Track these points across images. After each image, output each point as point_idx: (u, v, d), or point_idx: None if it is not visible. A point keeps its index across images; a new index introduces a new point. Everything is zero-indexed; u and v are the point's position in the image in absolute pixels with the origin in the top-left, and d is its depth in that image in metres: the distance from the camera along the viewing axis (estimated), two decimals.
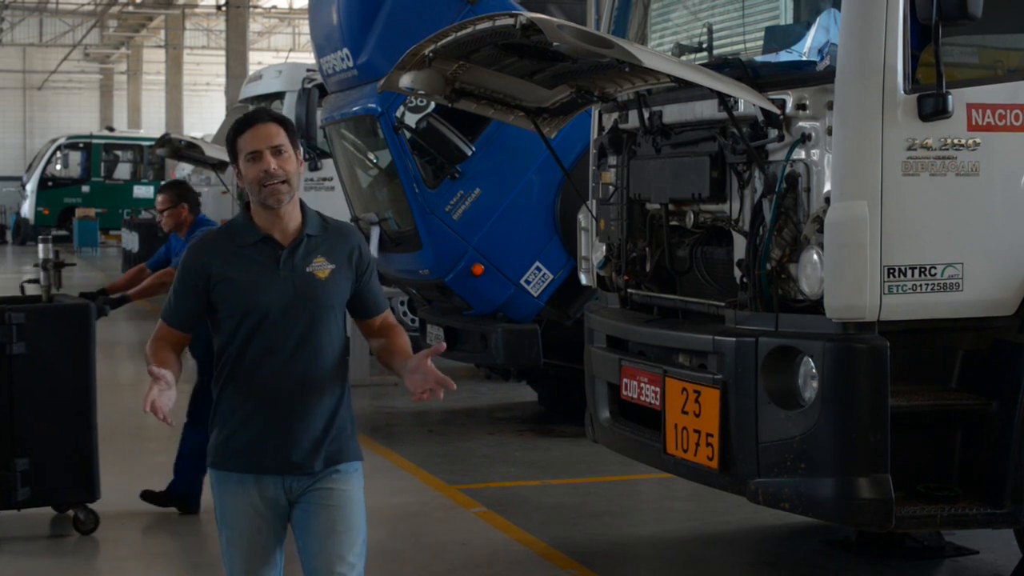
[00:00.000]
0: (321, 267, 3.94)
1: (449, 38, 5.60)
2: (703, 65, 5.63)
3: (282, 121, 3.94)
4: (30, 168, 35.98)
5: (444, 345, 4.05)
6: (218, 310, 3.93)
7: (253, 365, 3.90)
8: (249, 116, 3.96)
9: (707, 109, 5.54)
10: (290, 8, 39.57)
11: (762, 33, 6.11)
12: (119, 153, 35.39)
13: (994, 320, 5.07)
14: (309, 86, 12.97)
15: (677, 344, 5.68)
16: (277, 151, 3.87)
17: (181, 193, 7.59)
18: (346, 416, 4.00)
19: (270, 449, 3.89)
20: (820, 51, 5.33)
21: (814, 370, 4.94)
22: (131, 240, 21.14)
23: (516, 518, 7.14)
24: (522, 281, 9.31)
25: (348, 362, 4.09)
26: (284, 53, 41.49)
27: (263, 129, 3.88)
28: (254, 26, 37.38)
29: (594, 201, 6.54)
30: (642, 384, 5.77)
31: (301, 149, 3.96)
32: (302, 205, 4.00)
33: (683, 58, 6.19)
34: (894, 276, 4.88)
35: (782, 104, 5.12)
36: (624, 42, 5.19)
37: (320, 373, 3.93)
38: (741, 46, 6.07)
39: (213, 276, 3.91)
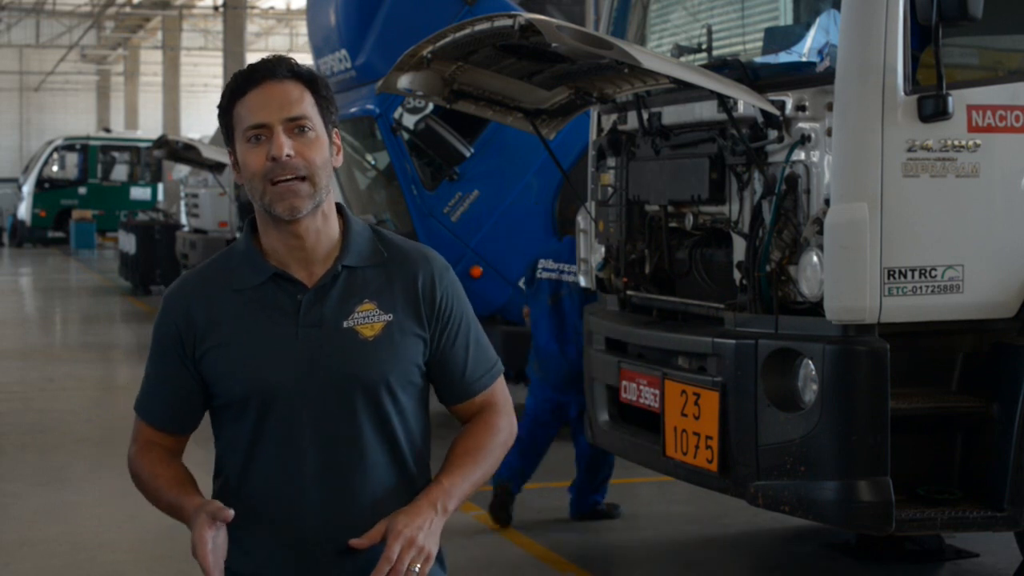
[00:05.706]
0: (367, 318, 2.47)
1: (447, 39, 5.58)
2: (702, 66, 5.62)
3: (308, 79, 2.50)
4: (27, 170, 35.92)
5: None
6: (212, 396, 2.53)
7: (257, 490, 2.47)
8: (256, 68, 2.51)
9: (706, 110, 5.52)
10: (288, 9, 39.53)
11: (762, 34, 6.09)
12: (116, 155, 35.33)
13: (994, 322, 5.05)
14: None
15: (676, 346, 5.66)
16: (296, 127, 2.44)
17: None
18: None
19: None
20: (820, 52, 5.31)
21: (814, 372, 4.92)
22: (128, 242, 21.06)
23: (515, 521, 7.11)
24: (521, 283, 9.29)
25: (429, 470, 2.62)
26: (282, 54, 41.43)
27: (277, 90, 2.46)
28: (252, 27, 37.32)
29: (593, 203, 6.53)
30: (641, 386, 5.75)
31: (336, 131, 2.54)
32: (344, 218, 2.58)
33: (682, 59, 6.17)
34: (894, 278, 4.86)
35: (782, 105, 5.10)
36: (623, 43, 5.18)
37: (374, 506, 2.46)
38: (740, 47, 6.05)
39: (200, 338, 2.50)
